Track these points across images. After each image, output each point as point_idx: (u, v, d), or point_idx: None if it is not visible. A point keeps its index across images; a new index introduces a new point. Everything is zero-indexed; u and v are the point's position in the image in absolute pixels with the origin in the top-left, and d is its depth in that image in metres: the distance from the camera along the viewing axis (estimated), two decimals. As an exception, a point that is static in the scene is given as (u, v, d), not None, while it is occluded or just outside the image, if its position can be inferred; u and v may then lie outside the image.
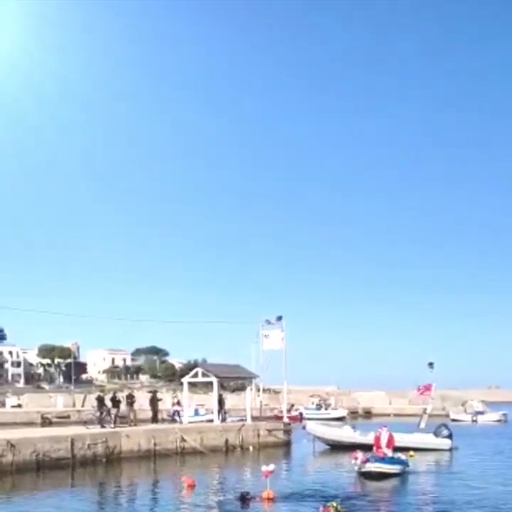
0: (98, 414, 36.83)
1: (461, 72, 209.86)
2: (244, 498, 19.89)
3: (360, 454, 27.59)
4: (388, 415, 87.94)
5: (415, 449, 35.97)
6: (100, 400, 37.50)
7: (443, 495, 23.05)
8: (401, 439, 37.48)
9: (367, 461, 26.78)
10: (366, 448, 30.37)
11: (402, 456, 29.13)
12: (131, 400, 38.79)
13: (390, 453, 28.41)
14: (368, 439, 34.01)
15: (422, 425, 39.52)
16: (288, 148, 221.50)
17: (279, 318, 46.18)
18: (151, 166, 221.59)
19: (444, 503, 21.22)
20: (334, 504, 17.19)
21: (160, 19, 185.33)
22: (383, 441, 29.27)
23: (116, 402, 37.31)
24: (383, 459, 27.32)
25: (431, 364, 40.32)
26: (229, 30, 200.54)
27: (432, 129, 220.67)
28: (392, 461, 27.66)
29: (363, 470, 26.54)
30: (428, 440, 38.44)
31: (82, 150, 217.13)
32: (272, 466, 21.37)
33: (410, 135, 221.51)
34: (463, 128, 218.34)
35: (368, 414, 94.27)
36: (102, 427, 35.20)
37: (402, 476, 27.36)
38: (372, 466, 26.46)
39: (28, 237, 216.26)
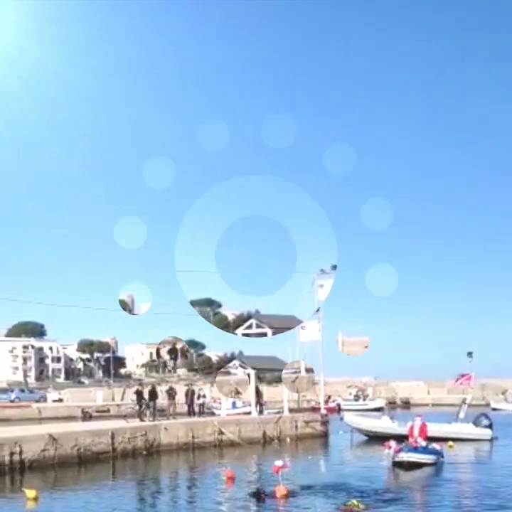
0: (137, 407, 37.19)
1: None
2: (258, 495, 19.04)
3: (393, 444, 27.67)
4: (427, 405, 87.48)
5: (455, 440, 35.82)
6: (139, 394, 37.78)
7: (479, 486, 22.68)
8: (440, 430, 37.52)
9: (400, 450, 26.79)
10: (404, 438, 30.09)
11: (437, 446, 28.84)
12: (171, 393, 39.21)
13: (423, 442, 28.17)
14: (407, 429, 33.85)
15: (462, 415, 39.14)
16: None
17: (317, 309, 46.05)
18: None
19: (480, 494, 20.81)
20: (355, 502, 16.67)
21: (162, 18, 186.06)
22: (416, 431, 29.07)
23: (154, 395, 37.57)
24: (416, 449, 27.23)
25: (470, 353, 40.00)
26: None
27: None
28: (425, 450, 27.49)
29: (396, 459, 26.55)
30: (468, 430, 38.15)
31: (82, 150, 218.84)
32: (280, 462, 20.84)
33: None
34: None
35: (406, 404, 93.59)
36: (141, 420, 35.55)
37: (437, 466, 27.17)
38: (405, 456, 26.47)
39: (61, 233, 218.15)
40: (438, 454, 28.16)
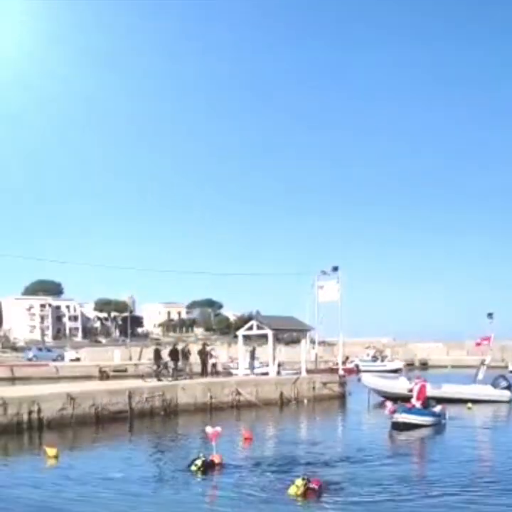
0: (155, 367, 37.12)
1: None
2: (204, 465, 17.51)
3: (389, 404, 28.07)
4: (445, 367, 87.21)
5: (473, 401, 35.67)
6: (157, 353, 37.71)
7: (472, 452, 22.04)
8: (458, 391, 37.44)
9: (395, 411, 26.91)
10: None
11: (437, 408, 28.78)
12: (186, 353, 38.93)
13: (418, 404, 28.18)
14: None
15: (480, 377, 38.96)
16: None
17: (335, 268, 45.69)
18: (152, 164, 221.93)
19: (476, 459, 20.23)
20: (298, 483, 14.72)
21: (161, 19, 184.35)
22: (414, 393, 29.11)
23: (175, 355, 37.46)
24: (410, 410, 27.30)
25: (490, 314, 39.57)
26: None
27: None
28: (420, 412, 27.46)
29: (393, 420, 26.65)
30: (486, 392, 37.94)
31: (81, 150, 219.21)
32: (218, 428, 19.34)
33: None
34: None
35: (424, 365, 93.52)
36: (159, 380, 35.53)
37: (435, 428, 27.14)
38: (400, 417, 26.55)
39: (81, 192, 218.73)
40: (435, 415, 28.08)
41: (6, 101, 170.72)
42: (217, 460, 18.05)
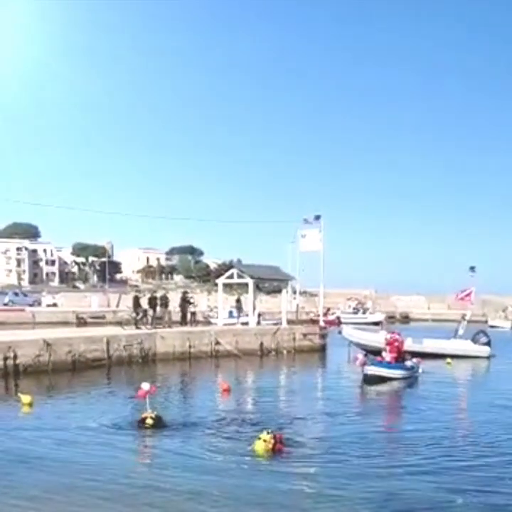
0: (134, 315, 36.57)
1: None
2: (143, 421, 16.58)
3: (360, 356, 28.04)
4: (426, 320, 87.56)
5: (453, 356, 35.59)
6: (136, 301, 37.14)
7: (442, 406, 21.71)
8: (438, 346, 37.38)
9: (364, 363, 26.96)
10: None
11: (409, 362, 28.86)
12: (165, 301, 38.26)
13: (388, 357, 28.06)
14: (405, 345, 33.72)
15: (461, 332, 38.87)
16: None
17: (318, 217, 44.97)
18: (151, 164, 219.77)
19: (438, 416, 19.65)
20: (265, 437, 14.04)
21: (162, 20, 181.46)
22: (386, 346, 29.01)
23: (153, 303, 36.92)
24: (380, 363, 27.47)
25: (472, 268, 39.18)
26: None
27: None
28: (390, 365, 27.47)
29: (363, 373, 26.76)
30: (466, 347, 37.89)
31: (82, 150, 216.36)
32: (147, 386, 17.13)
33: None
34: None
35: (405, 319, 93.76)
36: (138, 328, 35.07)
37: (407, 381, 27.14)
38: (369, 370, 26.69)
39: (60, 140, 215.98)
40: (407, 369, 28.10)
41: (6, 101, 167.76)
42: (147, 415, 16.57)
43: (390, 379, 26.67)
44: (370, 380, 26.31)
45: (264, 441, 13.88)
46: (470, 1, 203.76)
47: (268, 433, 14.08)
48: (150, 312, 36.50)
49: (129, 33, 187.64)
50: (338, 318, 68.67)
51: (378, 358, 28.09)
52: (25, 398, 20.04)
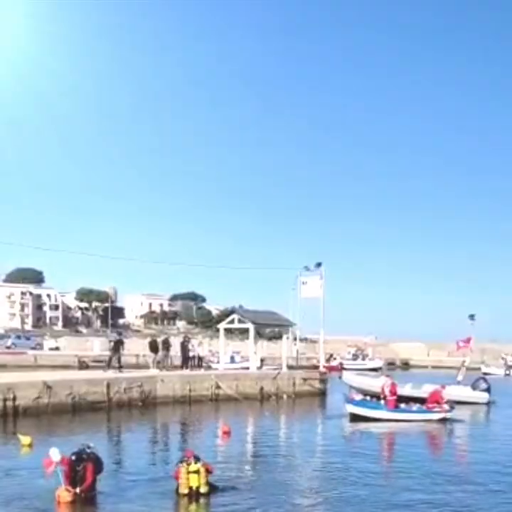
0: (109, 358, 36.55)
1: None
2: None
3: (356, 396, 30.35)
4: (426, 367, 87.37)
5: (452, 402, 35.53)
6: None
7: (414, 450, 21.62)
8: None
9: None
10: (403, 399, 30.77)
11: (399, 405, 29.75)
12: (167, 345, 38.60)
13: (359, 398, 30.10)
14: (404, 390, 33.82)
15: (460, 378, 38.93)
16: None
17: (318, 264, 45.64)
18: (150, 163, 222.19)
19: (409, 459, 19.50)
20: (194, 468, 13.39)
21: (160, 19, 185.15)
22: (386, 390, 29.96)
23: (154, 347, 37.35)
24: (353, 401, 29.19)
25: (472, 316, 39.52)
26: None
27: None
28: (360, 403, 29.11)
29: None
30: (465, 393, 37.84)
31: (82, 150, 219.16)
32: (56, 455, 13.26)
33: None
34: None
35: (405, 365, 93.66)
36: (106, 370, 34.96)
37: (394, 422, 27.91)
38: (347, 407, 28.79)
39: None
40: (381, 408, 29.06)
41: (6, 101, 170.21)
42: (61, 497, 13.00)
43: (372, 419, 28.07)
44: (352, 418, 28.18)
45: (197, 471, 13.31)
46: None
47: (196, 460, 13.45)
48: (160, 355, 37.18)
49: (129, 33, 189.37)
50: (341, 364, 68.68)
51: (354, 396, 30.34)
52: (25, 439, 20.06)
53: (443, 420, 29.07)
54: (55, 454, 13.32)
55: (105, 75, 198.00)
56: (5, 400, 26.28)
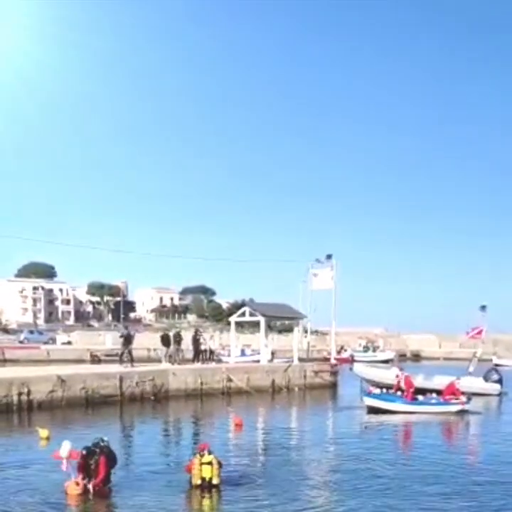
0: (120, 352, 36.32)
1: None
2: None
3: (373, 389, 30.92)
4: (438, 359, 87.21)
5: (463, 394, 35.56)
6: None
7: (434, 442, 21.84)
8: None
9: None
10: (415, 391, 30.82)
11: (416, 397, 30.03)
12: (178, 338, 38.70)
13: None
14: (415, 381, 33.89)
15: (471, 369, 38.79)
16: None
17: (329, 256, 45.58)
18: (149, 164, 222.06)
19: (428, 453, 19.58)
20: (208, 459, 13.64)
21: (160, 17, 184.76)
22: (402, 383, 30.84)
23: (166, 341, 37.54)
24: (371, 394, 29.68)
25: (483, 307, 39.31)
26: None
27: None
28: (382, 397, 29.43)
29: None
30: (477, 384, 37.82)
31: (81, 150, 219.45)
32: (66, 451, 13.54)
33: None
34: None
35: (416, 357, 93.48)
36: (120, 364, 34.88)
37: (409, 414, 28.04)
38: (365, 400, 29.36)
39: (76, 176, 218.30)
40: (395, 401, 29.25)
41: (6, 101, 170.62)
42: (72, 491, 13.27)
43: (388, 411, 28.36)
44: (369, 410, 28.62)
45: (211, 463, 13.57)
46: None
47: (209, 453, 13.69)
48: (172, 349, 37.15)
49: (129, 33, 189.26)
50: (352, 356, 68.70)
51: (367, 389, 31.06)
52: (43, 432, 20.41)
53: (461, 412, 29.09)
54: (63, 450, 13.52)
55: (107, 75, 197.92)
56: (20, 394, 26.57)
